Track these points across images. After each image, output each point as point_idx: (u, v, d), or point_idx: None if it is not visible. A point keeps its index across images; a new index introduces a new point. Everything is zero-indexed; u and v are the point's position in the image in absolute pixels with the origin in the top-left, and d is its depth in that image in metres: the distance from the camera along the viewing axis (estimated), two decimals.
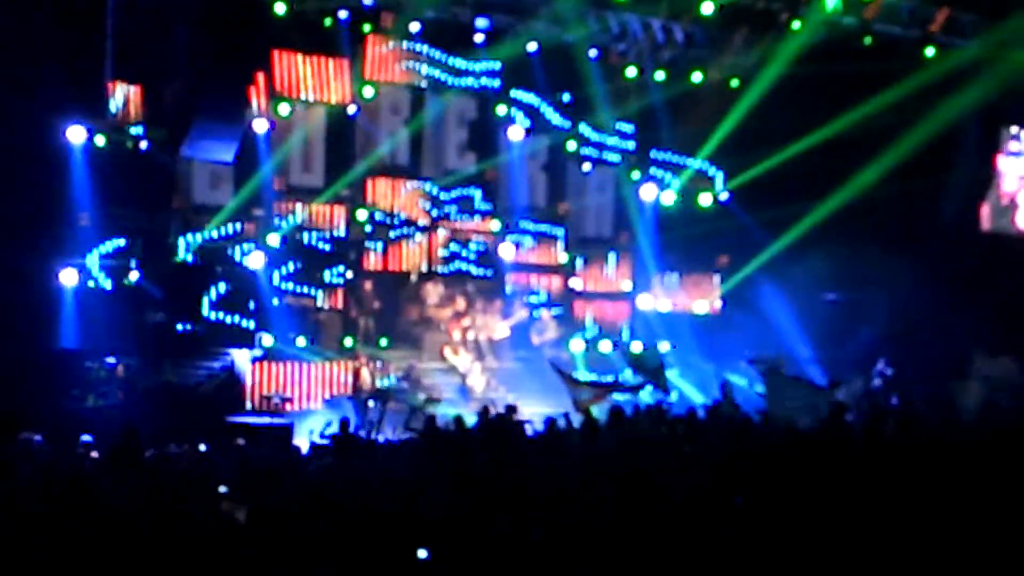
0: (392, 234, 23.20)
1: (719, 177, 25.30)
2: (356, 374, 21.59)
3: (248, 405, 20.44)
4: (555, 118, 24.46)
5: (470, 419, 15.17)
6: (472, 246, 23.88)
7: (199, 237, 21.08)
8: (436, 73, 23.34)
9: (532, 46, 23.30)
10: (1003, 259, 25.13)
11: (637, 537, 8.98)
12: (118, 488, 10.47)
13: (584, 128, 24.56)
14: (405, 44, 22.93)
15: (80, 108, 19.55)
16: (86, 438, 14.44)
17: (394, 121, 23.54)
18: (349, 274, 22.63)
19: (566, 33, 23.34)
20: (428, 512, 9.75)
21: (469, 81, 23.66)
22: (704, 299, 25.45)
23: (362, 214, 22.87)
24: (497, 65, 23.62)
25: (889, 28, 24.16)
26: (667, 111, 24.92)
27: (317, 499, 10.61)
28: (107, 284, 19.92)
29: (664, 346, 22.50)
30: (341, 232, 22.75)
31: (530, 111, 24.23)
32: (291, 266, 21.80)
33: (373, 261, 23.13)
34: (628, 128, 25.02)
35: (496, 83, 23.82)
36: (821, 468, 10.43)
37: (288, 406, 20.51)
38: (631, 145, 25.11)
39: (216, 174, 21.52)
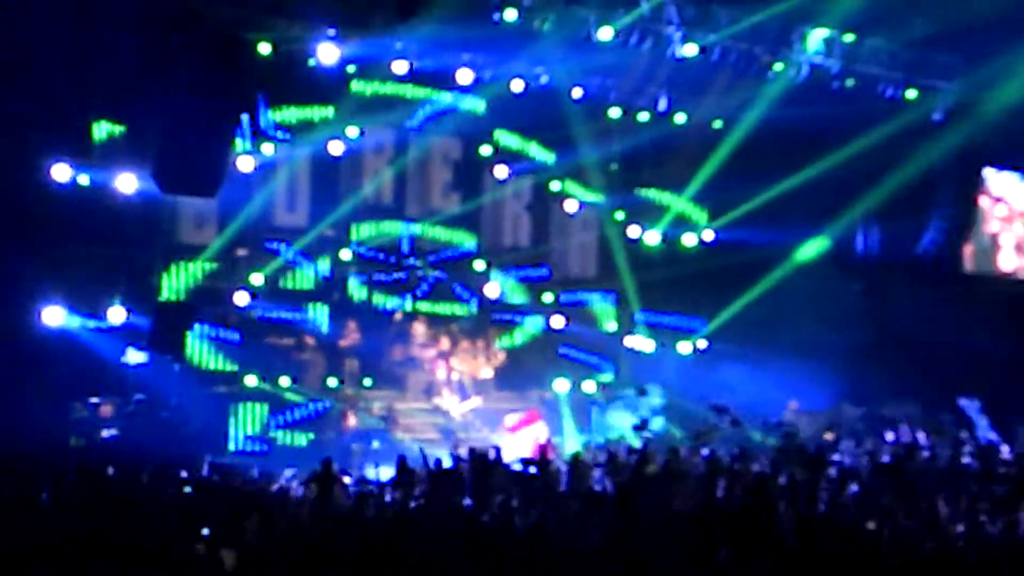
0: (376, 274, 23.17)
1: (703, 217, 25.39)
2: (340, 414, 21.49)
3: (231, 445, 20.33)
4: (539, 158, 24.52)
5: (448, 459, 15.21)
6: (456, 286, 23.85)
7: (183, 276, 21.02)
8: (421, 113, 23.39)
9: (517, 86, 23.32)
10: (985, 300, 25.18)
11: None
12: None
13: (568, 168, 24.61)
14: (390, 84, 22.97)
15: (64, 146, 19.49)
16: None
17: (378, 161, 23.57)
18: (333, 314, 22.56)
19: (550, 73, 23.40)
20: (415, 551, 9.68)
21: (454, 121, 23.70)
22: (688, 340, 25.40)
23: (346, 254, 22.84)
24: (482, 105, 23.69)
25: (871, 70, 24.28)
26: (650, 152, 24.99)
27: (303, 539, 10.53)
28: (90, 323, 19.79)
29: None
30: (325, 272, 22.70)
31: (514, 151, 24.28)
32: (275, 306, 21.71)
33: (357, 301, 23.07)
34: (612, 168, 25.11)
35: (481, 123, 23.87)
36: None
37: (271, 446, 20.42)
38: (614, 185, 25.19)
39: (200, 213, 21.49)
